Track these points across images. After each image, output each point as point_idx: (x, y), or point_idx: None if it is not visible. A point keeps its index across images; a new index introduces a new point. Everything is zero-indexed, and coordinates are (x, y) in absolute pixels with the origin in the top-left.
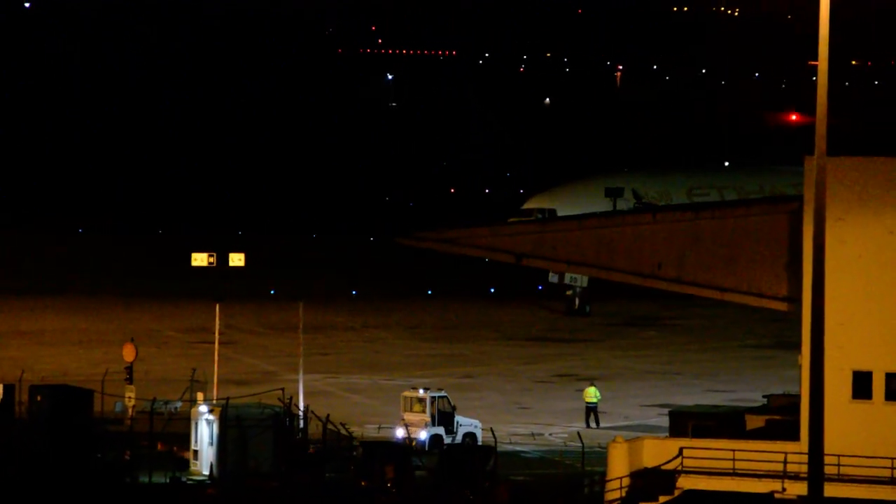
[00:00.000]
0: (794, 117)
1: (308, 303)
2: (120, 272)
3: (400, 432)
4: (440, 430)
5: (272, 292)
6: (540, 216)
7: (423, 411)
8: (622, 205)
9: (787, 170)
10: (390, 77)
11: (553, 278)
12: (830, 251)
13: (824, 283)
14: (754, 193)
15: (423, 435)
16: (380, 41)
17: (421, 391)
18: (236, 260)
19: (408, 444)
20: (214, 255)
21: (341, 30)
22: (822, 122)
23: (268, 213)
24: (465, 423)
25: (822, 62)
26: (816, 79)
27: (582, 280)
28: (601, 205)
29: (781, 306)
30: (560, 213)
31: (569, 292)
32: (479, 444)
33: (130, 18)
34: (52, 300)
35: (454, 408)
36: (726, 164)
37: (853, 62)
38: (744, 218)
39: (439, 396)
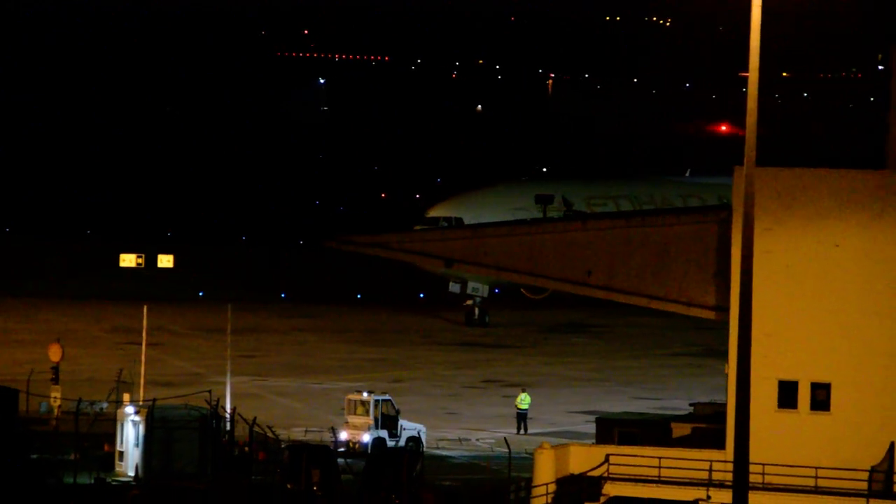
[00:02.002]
0: (724, 128)
1: (236, 305)
2: (47, 272)
3: (343, 435)
4: (384, 434)
5: (201, 294)
6: (445, 224)
7: (367, 414)
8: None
9: (677, 180)
10: (322, 81)
11: (454, 288)
12: (758, 261)
13: (752, 293)
14: (646, 203)
15: (366, 438)
16: (312, 45)
17: (365, 394)
18: (165, 261)
19: (336, 448)
20: (143, 256)
21: (274, 33)
22: (752, 133)
23: (197, 215)
24: (409, 427)
25: (753, 73)
26: (747, 90)
27: (483, 290)
28: (506, 213)
29: (710, 315)
30: (467, 222)
31: (469, 302)
32: (423, 448)
33: (50, 20)
34: None
35: (398, 411)
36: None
37: (784, 74)
38: (674, 227)
39: (383, 400)
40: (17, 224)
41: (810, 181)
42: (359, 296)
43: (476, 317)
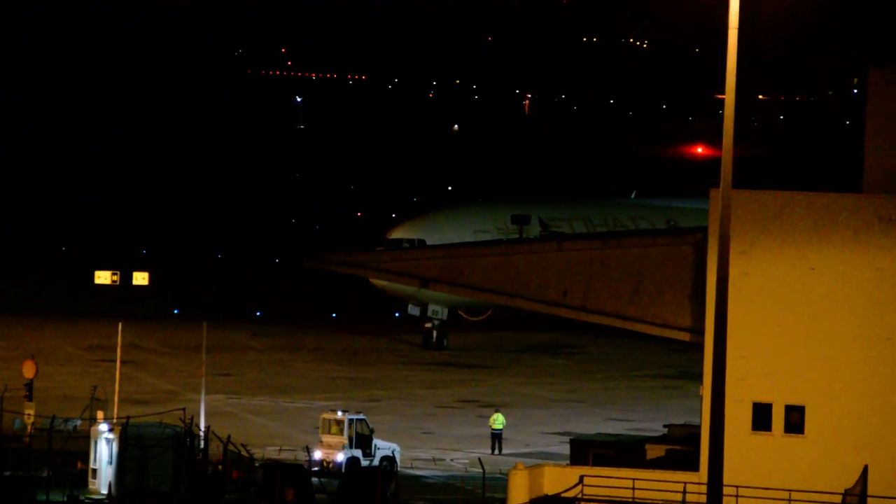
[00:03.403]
0: (699, 150)
1: (211, 323)
2: (21, 288)
3: (317, 454)
4: (358, 453)
5: (175, 312)
6: (408, 245)
7: (341, 433)
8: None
9: (625, 202)
10: (299, 99)
11: (413, 311)
12: (733, 283)
13: (727, 315)
14: (600, 225)
15: (340, 457)
16: (289, 63)
17: (339, 413)
18: (140, 279)
19: (310, 467)
20: (118, 273)
21: (251, 51)
22: (728, 155)
23: (173, 232)
24: (384, 447)
25: (729, 95)
26: (723, 112)
27: (443, 313)
28: (467, 234)
29: (685, 336)
30: (429, 243)
31: (428, 325)
32: (397, 467)
33: (39, 33)
34: None
35: (372, 431)
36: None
37: (760, 97)
38: (649, 248)
39: (357, 419)
40: None
41: (786, 204)
42: (333, 315)
43: (434, 339)
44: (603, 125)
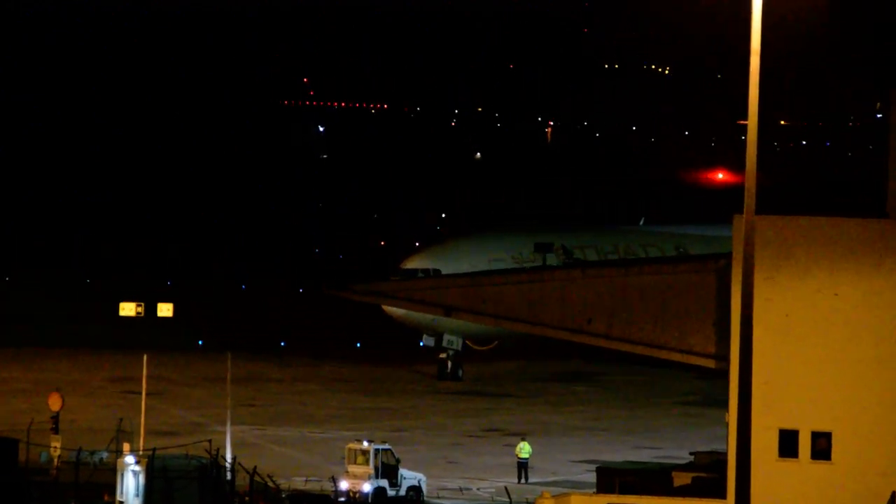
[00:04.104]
0: (721, 175)
1: (236, 354)
2: (47, 321)
3: (343, 485)
4: (384, 483)
5: (200, 343)
6: (422, 275)
7: (367, 463)
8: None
9: (634, 229)
10: (321, 129)
11: (428, 341)
12: (757, 309)
13: (752, 342)
14: (611, 253)
15: (366, 487)
16: (311, 93)
17: (365, 443)
18: (165, 310)
19: (336, 497)
20: (143, 304)
21: (273, 80)
22: (752, 181)
23: (197, 263)
24: (409, 477)
25: (752, 120)
26: (746, 138)
27: (457, 343)
28: (483, 263)
29: (710, 363)
30: (444, 272)
31: (443, 355)
32: (423, 497)
33: (50, 53)
34: None
35: (398, 461)
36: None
37: (782, 122)
38: (672, 275)
39: (383, 449)
40: (16, 272)
41: (810, 229)
42: (357, 345)
43: (449, 370)
44: (621, 150)
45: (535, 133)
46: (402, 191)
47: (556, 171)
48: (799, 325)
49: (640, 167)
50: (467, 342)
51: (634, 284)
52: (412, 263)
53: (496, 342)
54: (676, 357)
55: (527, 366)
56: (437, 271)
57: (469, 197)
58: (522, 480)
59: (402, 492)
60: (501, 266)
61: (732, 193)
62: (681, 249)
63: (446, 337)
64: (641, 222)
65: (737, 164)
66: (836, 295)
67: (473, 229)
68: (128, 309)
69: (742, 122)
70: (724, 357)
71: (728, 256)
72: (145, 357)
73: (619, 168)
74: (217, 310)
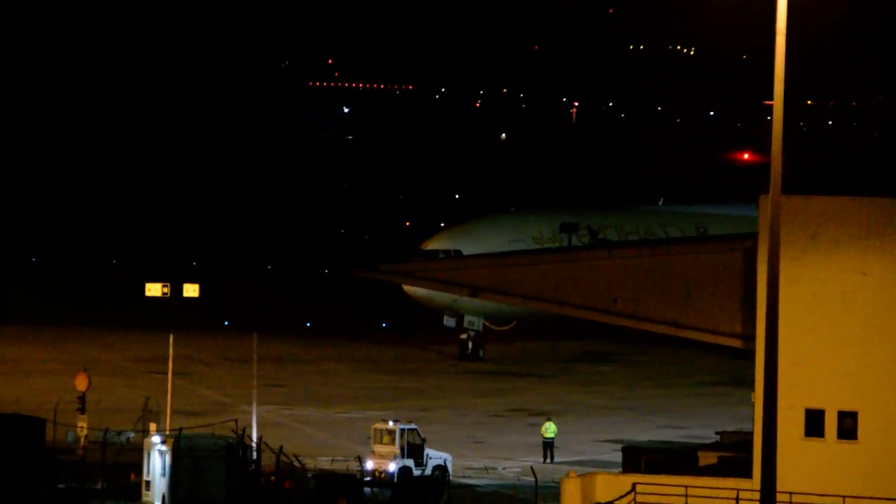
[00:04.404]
0: (746, 156)
1: (262, 334)
2: (74, 301)
3: (369, 464)
4: (409, 463)
5: (226, 323)
6: (443, 256)
7: (393, 443)
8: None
9: (653, 210)
10: (346, 110)
11: (449, 322)
12: (784, 289)
13: (778, 322)
14: (631, 233)
15: (392, 467)
16: (336, 74)
17: (391, 423)
18: (191, 290)
19: (362, 477)
20: (169, 285)
21: (297, 63)
22: (778, 161)
23: (223, 244)
24: (435, 456)
25: (778, 99)
26: (771, 118)
27: (478, 324)
28: (502, 244)
29: (736, 343)
30: (465, 253)
31: (464, 336)
32: (448, 477)
33: (84, 41)
34: (4, 329)
35: (424, 440)
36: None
37: (808, 102)
38: (699, 255)
39: (409, 429)
40: (44, 253)
41: (836, 209)
42: (384, 325)
43: (470, 351)
44: (642, 132)
45: (559, 113)
46: (428, 171)
47: (581, 152)
48: (825, 305)
49: (662, 147)
50: (486, 323)
51: (661, 265)
52: (433, 244)
53: (514, 322)
54: (703, 337)
55: (548, 346)
56: (457, 252)
57: (493, 178)
58: (548, 460)
59: (428, 471)
60: (521, 246)
61: (757, 173)
62: (701, 230)
63: (467, 318)
64: (661, 202)
65: (762, 145)
66: (864, 274)
67: (494, 210)
68: (154, 289)
69: (768, 102)
70: (750, 337)
71: (754, 237)
72: (171, 337)
73: (641, 148)
74: (243, 290)
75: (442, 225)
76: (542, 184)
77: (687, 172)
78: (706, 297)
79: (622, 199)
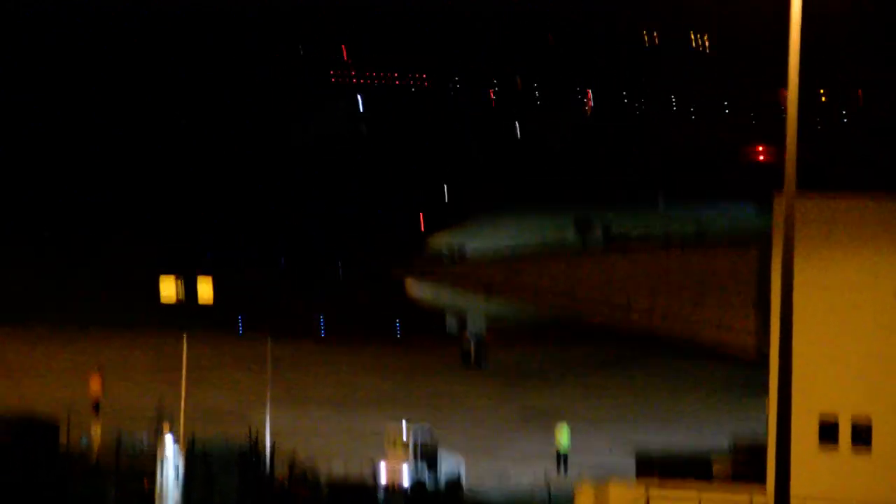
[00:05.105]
0: (759, 149)
1: (276, 337)
2: (86, 302)
3: (382, 470)
4: (422, 469)
5: (240, 326)
6: (447, 252)
7: (406, 447)
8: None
9: (658, 208)
10: (360, 103)
11: (450, 328)
12: (798, 291)
13: (792, 324)
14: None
15: (405, 475)
16: (350, 65)
17: (404, 426)
18: (205, 289)
19: (376, 486)
20: (182, 279)
21: (311, 56)
22: (792, 159)
23: (238, 240)
24: (449, 459)
25: (792, 94)
26: (786, 114)
27: (482, 330)
28: (506, 240)
29: (749, 342)
30: (470, 250)
31: (466, 340)
32: (462, 481)
33: (105, 34)
34: (15, 330)
35: (438, 443)
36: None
37: (824, 98)
38: (713, 256)
39: (422, 432)
40: (55, 255)
41: (852, 208)
42: (397, 324)
43: (473, 357)
44: (657, 126)
45: (572, 106)
46: (442, 166)
47: (594, 146)
48: (839, 308)
49: (670, 140)
50: (489, 326)
51: (675, 264)
52: (439, 241)
53: (516, 326)
54: (717, 336)
55: (556, 351)
56: (461, 248)
57: (506, 173)
58: (561, 467)
59: (442, 478)
60: (529, 243)
61: (769, 170)
62: (702, 228)
63: (470, 319)
64: (660, 201)
65: (775, 141)
66: (878, 276)
67: (499, 206)
68: (168, 288)
69: (784, 91)
70: (764, 337)
71: (768, 237)
72: (185, 340)
73: (647, 143)
74: (257, 294)
75: (447, 222)
76: (548, 182)
77: (698, 170)
78: (720, 298)
79: (634, 196)
